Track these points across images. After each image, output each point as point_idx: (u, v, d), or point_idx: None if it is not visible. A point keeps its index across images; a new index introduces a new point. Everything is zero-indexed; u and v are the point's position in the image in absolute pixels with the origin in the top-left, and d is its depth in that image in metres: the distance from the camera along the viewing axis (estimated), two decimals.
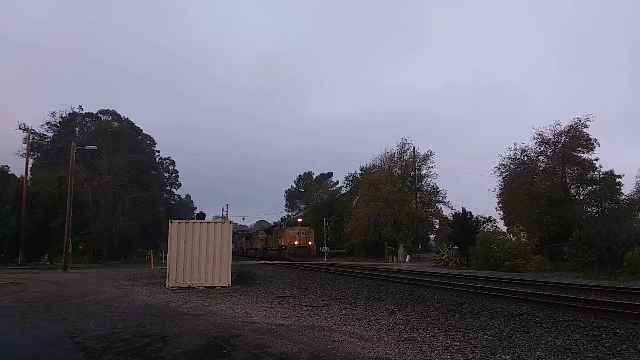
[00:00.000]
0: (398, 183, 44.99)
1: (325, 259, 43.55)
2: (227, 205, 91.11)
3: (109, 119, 58.77)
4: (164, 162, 71.41)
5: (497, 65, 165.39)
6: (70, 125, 55.23)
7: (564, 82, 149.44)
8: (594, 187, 32.96)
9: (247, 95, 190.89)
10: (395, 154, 47.74)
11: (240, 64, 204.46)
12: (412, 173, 46.26)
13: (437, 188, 46.78)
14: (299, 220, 44.07)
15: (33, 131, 43.50)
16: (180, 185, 76.17)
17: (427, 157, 46.90)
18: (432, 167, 46.96)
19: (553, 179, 33.66)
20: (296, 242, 39.06)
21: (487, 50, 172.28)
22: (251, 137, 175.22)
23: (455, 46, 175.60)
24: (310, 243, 39.78)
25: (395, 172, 47.44)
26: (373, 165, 49.84)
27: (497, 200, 37.47)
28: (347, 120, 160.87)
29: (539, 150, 35.06)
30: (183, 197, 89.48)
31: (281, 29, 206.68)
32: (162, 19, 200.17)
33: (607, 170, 32.65)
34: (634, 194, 33.00)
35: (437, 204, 46.73)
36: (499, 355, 5.51)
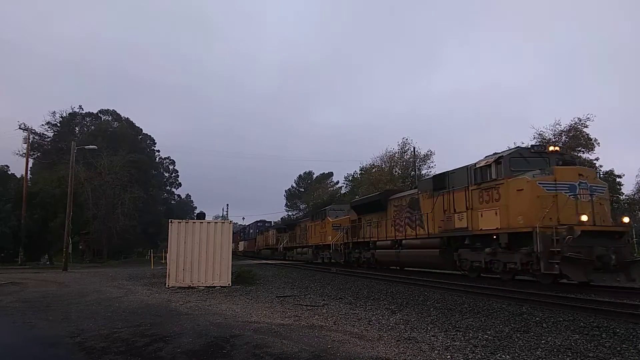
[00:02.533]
0: (398, 183, 44.99)
1: None
2: (227, 205, 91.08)
3: (109, 118, 58.74)
4: (164, 161, 71.42)
5: (502, 75, 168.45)
6: (71, 125, 55.23)
7: (565, 88, 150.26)
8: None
9: (259, 99, 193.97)
10: (396, 154, 47.78)
11: (259, 71, 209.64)
12: (413, 173, 46.26)
13: None
14: (554, 147, 14.08)
15: (33, 131, 43.58)
16: (180, 185, 76.16)
17: (427, 156, 46.90)
18: (432, 166, 46.93)
19: None
20: (584, 218, 11.14)
21: (493, 61, 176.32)
22: (256, 138, 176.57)
23: (463, 57, 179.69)
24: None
25: (396, 171, 47.42)
26: (373, 164, 49.88)
27: None
28: (356, 125, 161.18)
29: None
30: (183, 197, 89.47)
31: (303, 40, 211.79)
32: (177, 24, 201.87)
33: (607, 170, 32.64)
34: (634, 194, 32.98)
35: None
36: (499, 355, 5.51)
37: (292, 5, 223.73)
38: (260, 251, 50.75)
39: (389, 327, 7.39)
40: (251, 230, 59.72)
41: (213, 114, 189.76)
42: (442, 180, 16.07)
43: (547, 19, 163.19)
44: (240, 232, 69.62)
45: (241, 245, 66.56)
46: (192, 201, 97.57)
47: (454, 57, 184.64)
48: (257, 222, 57.57)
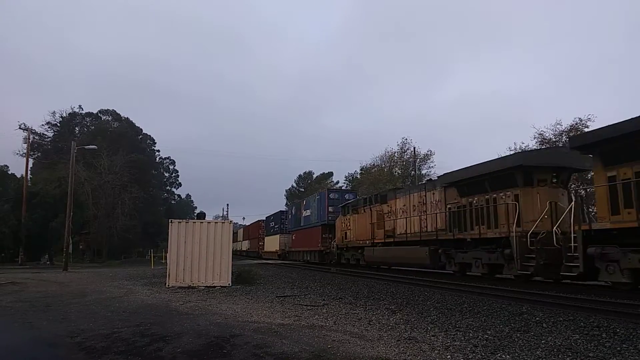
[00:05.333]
0: (399, 182, 45.04)
1: None
2: (227, 205, 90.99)
3: (109, 118, 58.81)
4: (164, 161, 71.50)
5: (505, 84, 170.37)
6: (70, 125, 55.30)
7: (565, 95, 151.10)
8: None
9: (271, 106, 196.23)
10: (396, 154, 47.87)
11: (274, 80, 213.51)
12: (413, 172, 46.29)
13: None
14: None
15: (33, 131, 43.65)
16: (180, 185, 76.29)
17: (427, 156, 47.02)
18: (432, 166, 47.00)
19: None
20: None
21: (497, 72, 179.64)
22: (263, 141, 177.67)
23: (469, 69, 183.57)
24: None
25: (396, 171, 47.47)
26: (373, 164, 49.97)
27: None
28: (363, 130, 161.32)
29: None
30: (183, 197, 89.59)
31: (319, 53, 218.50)
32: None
33: None
34: None
35: None
36: (499, 354, 5.51)
37: (313, 22, 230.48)
38: (348, 251, 23.71)
39: (389, 327, 7.39)
40: (307, 212, 30.81)
41: (224, 118, 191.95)
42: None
43: (548, 30, 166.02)
44: (269, 222, 44.73)
45: (274, 243, 39.64)
46: (192, 201, 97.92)
47: (460, 70, 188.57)
48: (326, 192, 28.49)
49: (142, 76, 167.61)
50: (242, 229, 62.65)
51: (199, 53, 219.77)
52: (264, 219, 47.59)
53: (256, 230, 49.45)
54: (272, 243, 41.36)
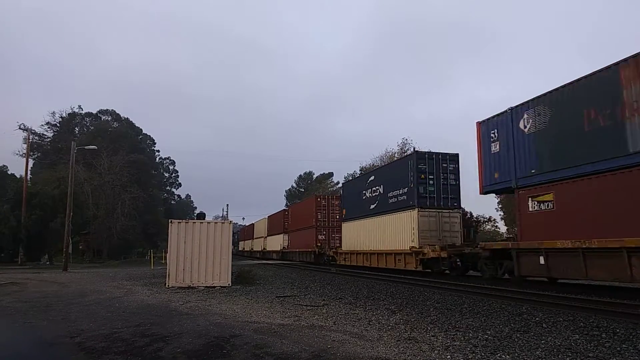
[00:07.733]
0: None
1: None
2: (227, 205, 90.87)
3: (109, 118, 58.80)
4: (164, 162, 71.50)
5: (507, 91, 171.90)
6: (70, 125, 55.28)
7: None
8: None
9: (287, 107, 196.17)
10: (396, 154, 47.85)
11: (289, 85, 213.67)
12: None
13: None
14: None
15: (33, 131, 43.66)
16: (180, 185, 76.30)
17: None
18: None
19: None
20: None
21: (501, 84, 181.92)
22: (261, 140, 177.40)
23: (472, 78, 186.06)
24: None
25: None
26: (373, 165, 49.95)
27: (497, 200, 37.51)
28: (362, 132, 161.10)
29: None
30: (183, 197, 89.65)
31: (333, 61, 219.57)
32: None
33: None
34: None
35: None
36: (499, 354, 5.52)
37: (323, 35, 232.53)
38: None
39: (389, 327, 7.39)
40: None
41: (225, 120, 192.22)
42: None
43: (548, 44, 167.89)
44: (350, 194, 25.16)
45: (397, 234, 19.07)
46: (192, 201, 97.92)
47: (465, 80, 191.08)
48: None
49: (143, 77, 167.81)
50: (266, 219, 44.57)
51: (201, 55, 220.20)
52: (333, 196, 29.26)
53: (310, 215, 29.21)
54: (383, 234, 20.65)
